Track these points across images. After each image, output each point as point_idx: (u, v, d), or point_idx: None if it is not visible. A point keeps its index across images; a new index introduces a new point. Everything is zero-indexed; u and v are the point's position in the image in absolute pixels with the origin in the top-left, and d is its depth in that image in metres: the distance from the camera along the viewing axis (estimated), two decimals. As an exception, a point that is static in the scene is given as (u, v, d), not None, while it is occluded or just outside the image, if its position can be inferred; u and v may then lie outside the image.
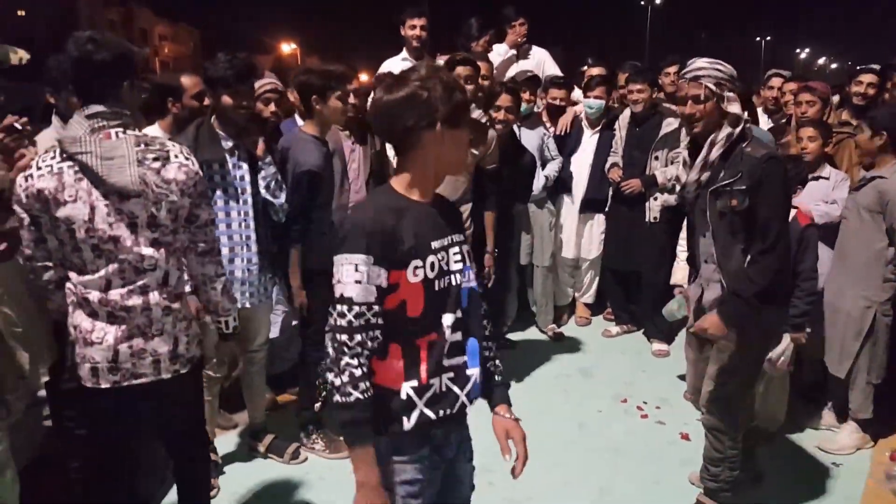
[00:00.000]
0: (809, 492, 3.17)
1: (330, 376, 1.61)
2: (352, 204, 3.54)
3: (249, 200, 3.00)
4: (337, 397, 1.60)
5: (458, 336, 1.72)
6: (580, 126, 5.01)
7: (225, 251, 2.89)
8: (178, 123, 3.23)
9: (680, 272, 3.77)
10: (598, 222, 5.07)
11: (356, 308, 1.58)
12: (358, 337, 1.59)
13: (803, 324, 3.28)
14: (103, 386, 2.06)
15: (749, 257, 2.51)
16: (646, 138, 4.60)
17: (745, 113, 4.26)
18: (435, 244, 1.67)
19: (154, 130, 3.18)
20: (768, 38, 61.76)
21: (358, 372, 1.59)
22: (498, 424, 1.82)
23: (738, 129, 2.50)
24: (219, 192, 2.90)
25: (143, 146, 1.99)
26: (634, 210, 4.68)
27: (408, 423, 1.67)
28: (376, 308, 1.61)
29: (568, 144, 4.97)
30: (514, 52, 5.26)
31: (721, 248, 2.57)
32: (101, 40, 1.94)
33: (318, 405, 3.62)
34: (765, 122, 4.93)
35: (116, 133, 1.96)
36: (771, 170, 2.45)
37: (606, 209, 4.96)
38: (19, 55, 1.99)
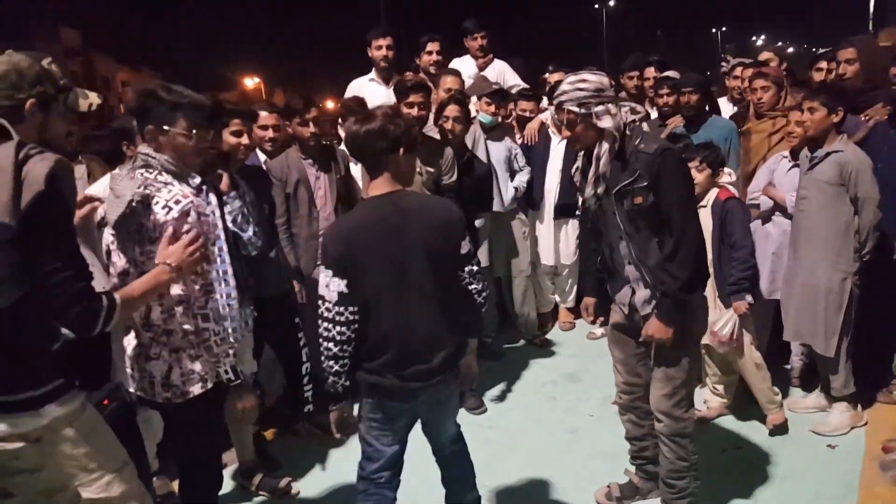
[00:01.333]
0: (808, 477, 3.15)
1: None
2: (323, 231, 3.52)
3: (222, 235, 2.96)
4: None
5: None
6: (547, 134, 5.01)
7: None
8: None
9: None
10: (573, 227, 5.07)
11: None
12: None
13: (742, 291, 3.30)
14: (130, 389, 2.33)
15: (666, 253, 2.49)
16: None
17: (707, 106, 4.37)
18: None
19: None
20: (724, 28, 62.89)
21: None
22: None
23: (616, 144, 2.51)
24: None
25: (141, 188, 2.11)
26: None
27: None
28: None
29: (535, 153, 4.97)
30: (478, 71, 5.25)
31: (637, 247, 2.57)
32: (138, 90, 2.15)
33: None
34: (728, 111, 4.96)
35: (137, 173, 2.14)
36: (666, 162, 2.46)
37: (578, 213, 4.94)
38: (90, 101, 2.00)
